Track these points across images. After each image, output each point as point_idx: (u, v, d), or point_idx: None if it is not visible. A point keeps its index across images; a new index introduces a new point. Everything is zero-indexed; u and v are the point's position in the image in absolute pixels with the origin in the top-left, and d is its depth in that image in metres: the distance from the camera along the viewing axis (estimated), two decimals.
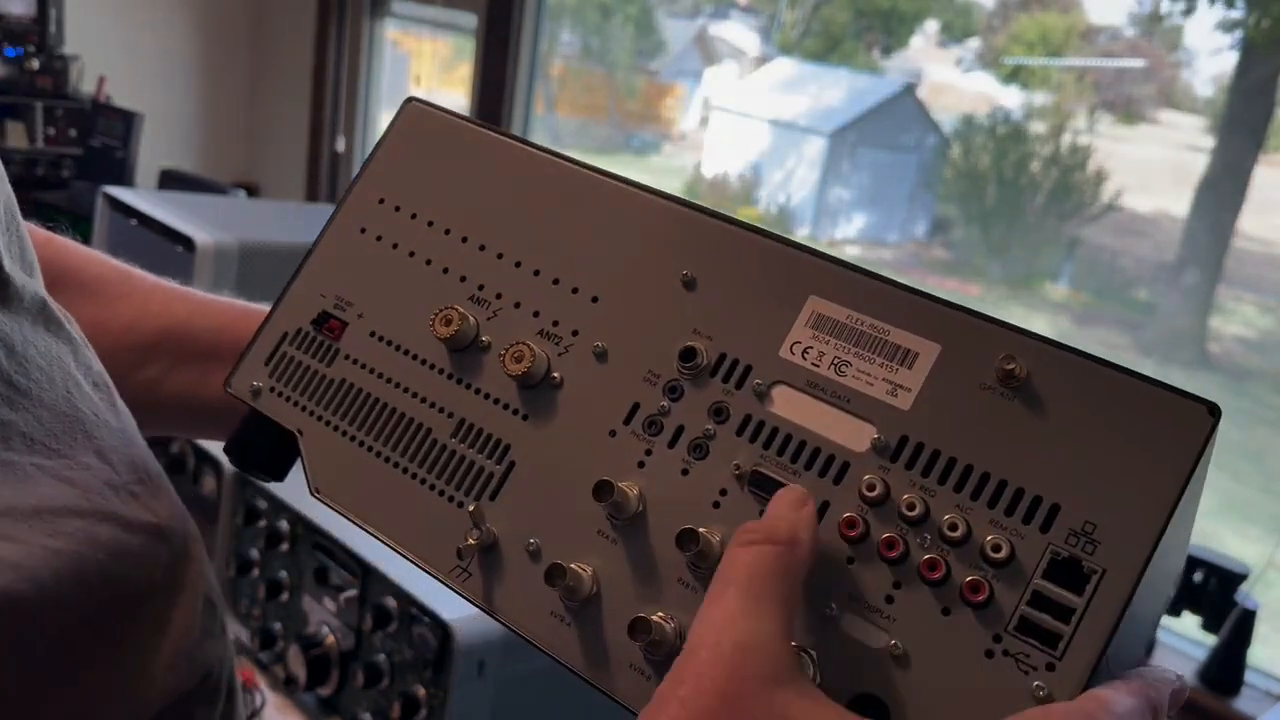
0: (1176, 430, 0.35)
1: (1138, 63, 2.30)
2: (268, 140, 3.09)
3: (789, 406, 0.40)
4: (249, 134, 3.14)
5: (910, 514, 0.37)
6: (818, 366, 0.40)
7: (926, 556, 0.36)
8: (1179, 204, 2.12)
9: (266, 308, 0.53)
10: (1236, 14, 2.01)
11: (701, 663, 0.32)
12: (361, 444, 0.47)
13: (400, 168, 0.51)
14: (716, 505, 0.40)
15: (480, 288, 0.47)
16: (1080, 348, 0.37)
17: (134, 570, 0.42)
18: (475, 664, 0.96)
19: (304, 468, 0.48)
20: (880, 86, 2.80)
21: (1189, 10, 2.05)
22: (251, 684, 1.12)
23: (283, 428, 0.49)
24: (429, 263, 0.49)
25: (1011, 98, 2.52)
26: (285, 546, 1.13)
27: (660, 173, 3.27)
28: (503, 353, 0.44)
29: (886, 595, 0.37)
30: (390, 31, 2.86)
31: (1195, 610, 1.49)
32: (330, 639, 1.07)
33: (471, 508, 0.42)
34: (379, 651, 1.03)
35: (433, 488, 0.45)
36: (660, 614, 0.39)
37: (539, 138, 2.70)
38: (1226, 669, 1.45)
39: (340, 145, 2.84)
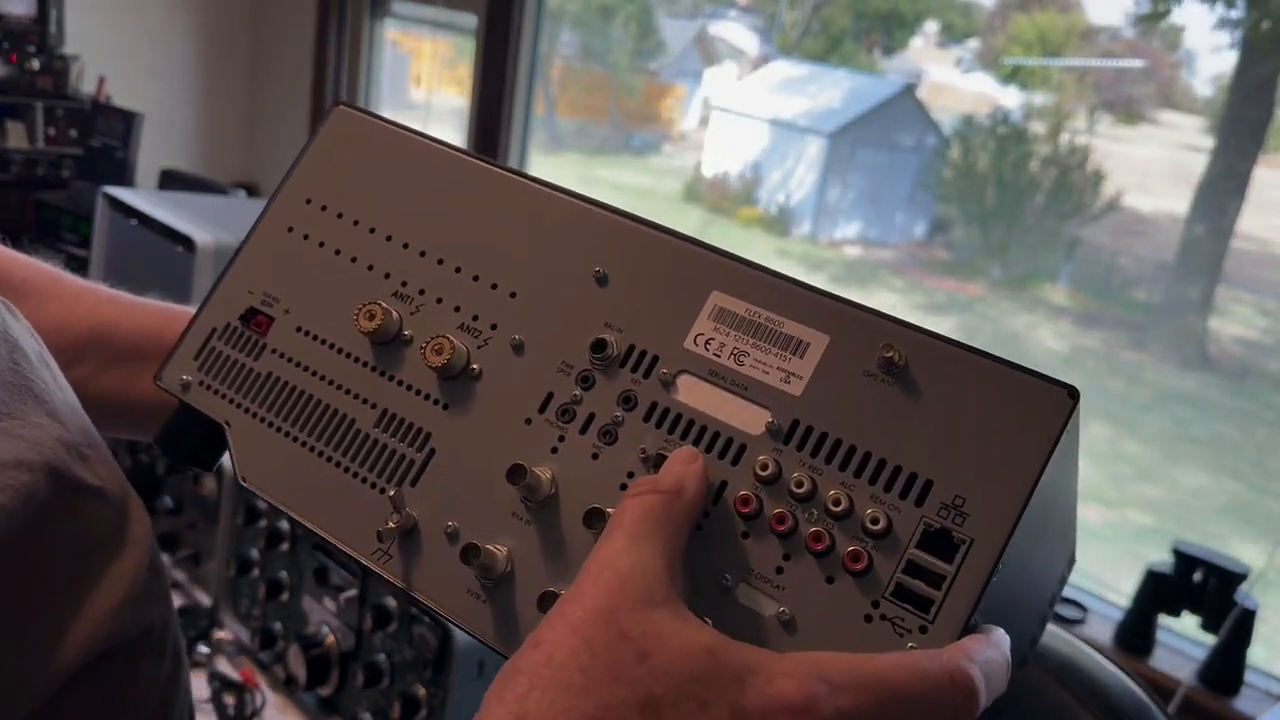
0: (1039, 412, 0.38)
1: (1137, 63, 2.30)
2: (268, 140, 3.09)
3: (692, 394, 0.43)
4: (249, 134, 3.13)
5: (799, 491, 0.40)
6: (719, 356, 0.43)
7: (813, 529, 0.39)
8: (1179, 204, 2.12)
9: (195, 309, 0.54)
10: (1236, 14, 2.01)
11: (585, 586, 0.35)
12: (287, 434, 0.49)
13: (327, 169, 0.54)
14: (623, 487, 0.42)
15: (403, 284, 0.49)
16: (955, 337, 0.40)
17: (75, 529, 0.43)
18: (475, 664, 0.96)
19: (231, 458, 0.50)
20: (880, 87, 2.80)
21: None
22: (251, 684, 1.12)
23: (211, 420, 0.51)
24: (354, 260, 0.51)
25: (1011, 98, 2.52)
26: (285, 546, 1.13)
27: (660, 173, 3.27)
28: (424, 345, 0.46)
29: (777, 566, 0.39)
30: (390, 31, 2.86)
31: (1195, 610, 1.50)
32: (330, 639, 1.07)
33: (392, 493, 0.44)
34: (379, 651, 1.03)
35: (355, 475, 0.47)
36: None
37: (539, 138, 2.70)
38: (1226, 669, 1.45)
39: None
